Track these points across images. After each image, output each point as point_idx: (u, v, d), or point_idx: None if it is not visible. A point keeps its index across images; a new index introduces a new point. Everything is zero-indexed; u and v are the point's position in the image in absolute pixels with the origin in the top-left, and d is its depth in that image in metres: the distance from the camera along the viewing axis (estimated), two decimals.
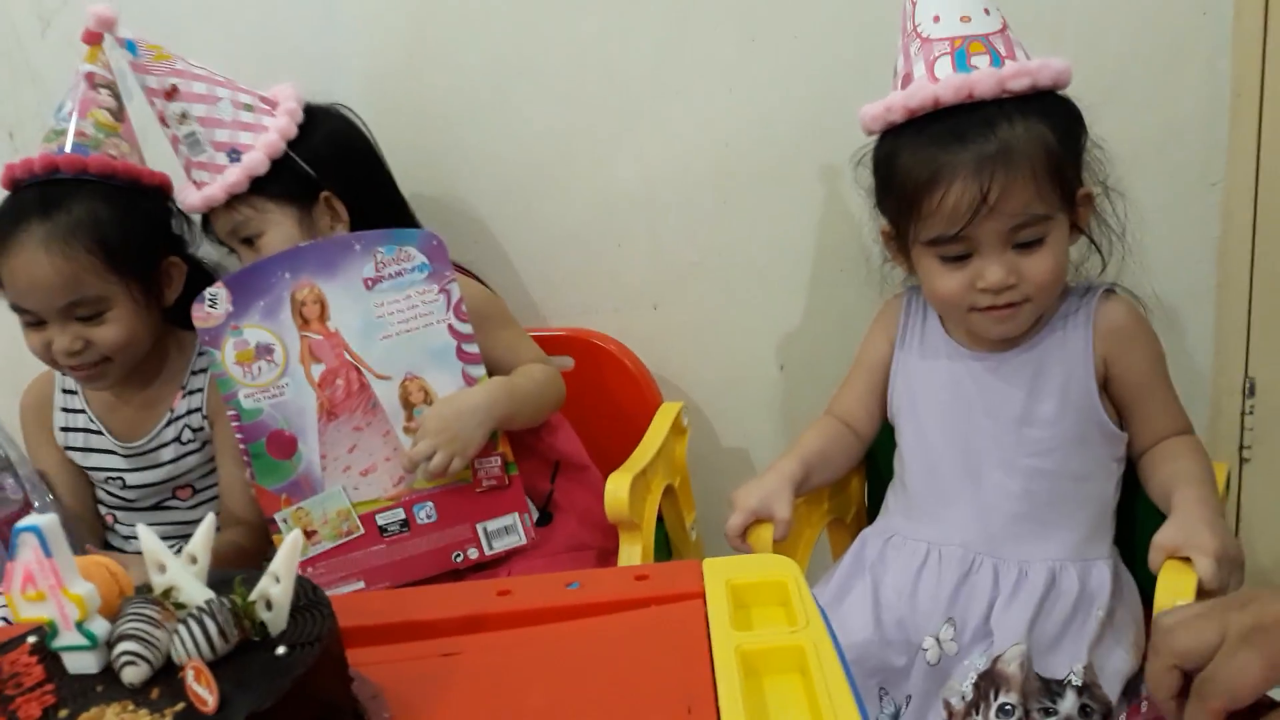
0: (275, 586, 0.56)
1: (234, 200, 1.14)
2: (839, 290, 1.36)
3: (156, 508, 1.23)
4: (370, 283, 1.04)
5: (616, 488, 1.08)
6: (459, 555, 1.09)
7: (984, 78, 0.92)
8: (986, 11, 0.96)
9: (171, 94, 1.11)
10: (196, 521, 1.20)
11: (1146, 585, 0.99)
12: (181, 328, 1.23)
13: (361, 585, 1.09)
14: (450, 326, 1.06)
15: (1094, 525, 1.00)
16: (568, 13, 1.30)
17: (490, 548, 1.09)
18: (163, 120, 1.14)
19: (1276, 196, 1.28)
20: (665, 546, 1.28)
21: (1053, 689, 0.88)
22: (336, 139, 1.20)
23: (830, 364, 1.36)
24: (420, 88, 1.35)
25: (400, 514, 1.08)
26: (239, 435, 1.07)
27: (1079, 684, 0.88)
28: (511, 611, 0.68)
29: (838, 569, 1.05)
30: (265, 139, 1.13)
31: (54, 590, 0.53)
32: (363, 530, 1.08)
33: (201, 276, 1.26)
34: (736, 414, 1.45)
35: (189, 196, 1.16)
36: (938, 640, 0.94)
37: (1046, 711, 0.87)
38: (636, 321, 1.40)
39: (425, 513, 1.08)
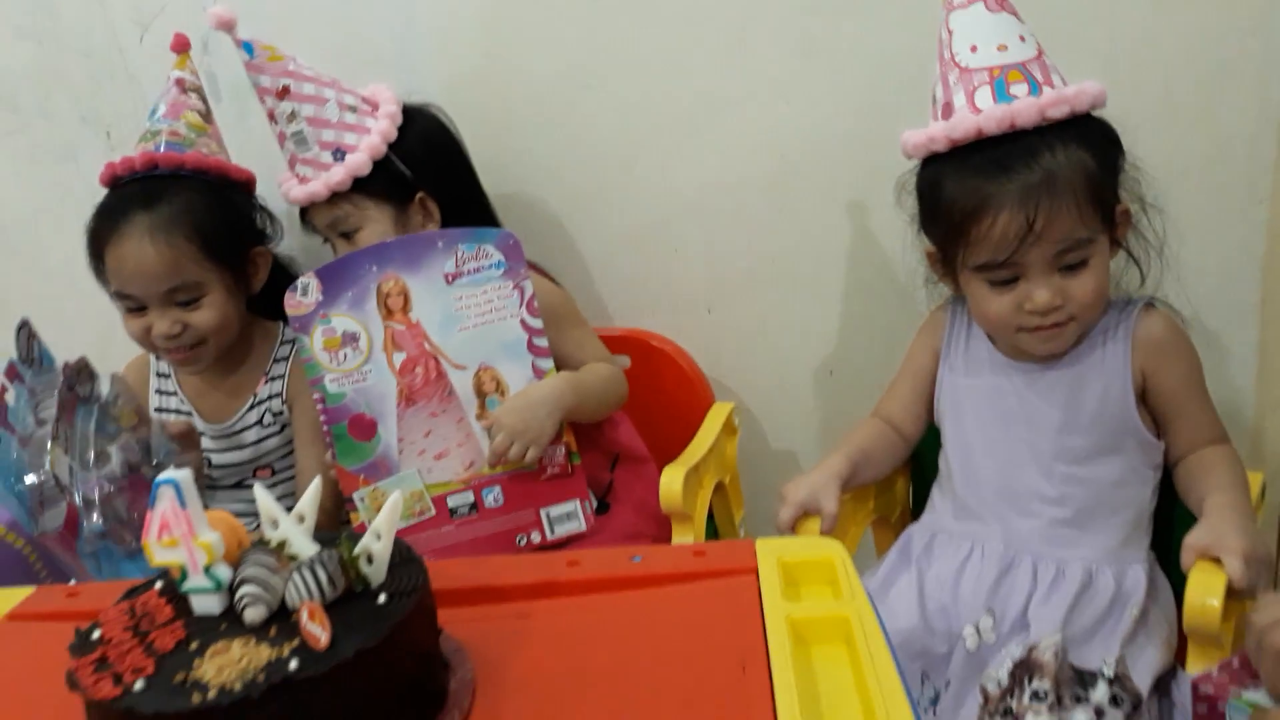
0: (377, 543, 0.62)
1: (335, 196, 1.22)
2: (886, 299, 1.40)
3: (237, 486, 1.31)
4: (450, 278, 1.11)
5: (671, 480, 1.14)
6: (522, 538, 1.15)
7: (1025, 108, 0.95)
8: (1022, 39, 0.99)
9: (283, 94, 1.20)
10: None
11: (1180, 588, 1.03)
12: (265, 318, 1.32)
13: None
14: (523, 321, 1.12)
15: (1130, 529, 1.04)
16: (633, 27, 1.37)
17: (552, 532, 1.15)
18: (272, 117, 1.22)
19: None
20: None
21: (1085, 679, 0.92)
22: (431, 140, 1.27)
23: (876, 370, 1.41)
24: (492, 97, 1.42)
25: (470, 497, 1.15)
26: (323, 417, 1.14)
27: (1110, 675, 0.92)
28: (580, 580, 0.74)
29: (884, 562, 1.10)
30: (368, 141, 1.21)
31: (186, 538, 0.59)
32: (434, 511, 1.15)
33: (280, 270, 1.34)
34: (785, 416, 1.50)
35: (293, 190, 1.24)
36: (977, 629, 0.99)
37: (1078, 699, 0.91)
38: (691, 324, 1.46)
39: (493, 497, 1.15)
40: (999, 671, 0.94)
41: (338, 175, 1.20)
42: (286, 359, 1.29)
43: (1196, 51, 1.26)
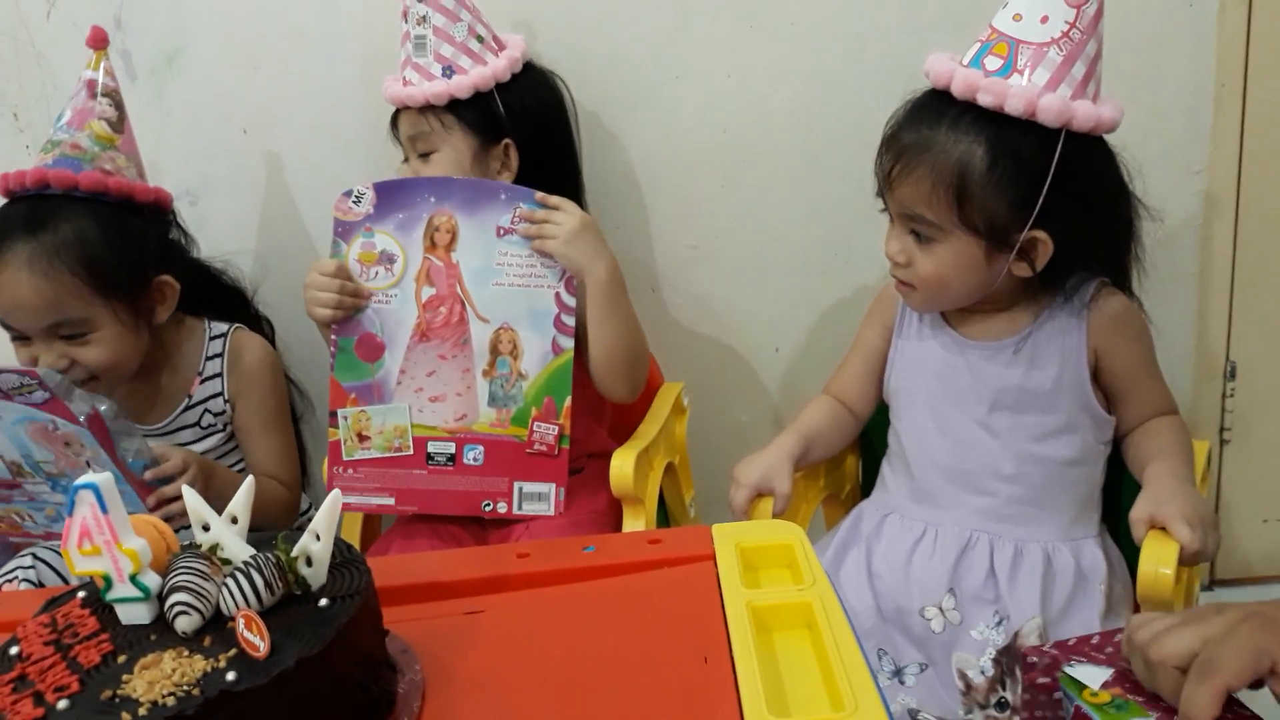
0: (315, 544, 0.59)
1: (427, 109, 1.20)
2: (833, 275, 1.40)
3: None
4: (502, 231, 1.11)
5: (622, 463, 1.12)
6: (489, 504, 1.14)
7: (961, 75, 0.95)
8: (1044, 20, 0.94)
9: None
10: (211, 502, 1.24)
11: (1133, 559, 1.03)
12: (192, 315, 1.26)
13: (391, 501, 1.14)
14: (558, 295, 1.12)
15: (1083, 506, 1.05)
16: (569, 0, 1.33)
17: (520, 507, 1.13)
18: (404, 15, 1.21)
19: (1258, 185, 1.32)
20: (665, 523, 1.32)
21: None
22: (540, 98, 1.27)
23: (825, 347, 1.40)
24: None
25: (451, 448, 1.13)
26: (334, 326, 1.13)
27: None
28: (531, 573, 0.72)
29: (833, 538, 1.09)
30: (480, 71, 1.20)
31: (109, 545, 0.56)
32: (412, 451, 1.13)
33: (210, 280, 1.29)
34: (733, 395, 1.48)
35: (392, 88, 1.22)
36: (940, 609, 0.98)
37: None
38: (636, 303, 1.41)
39: (474, 455, 1.13)
40: (980, 659, 0.94)
41: (438, 88, 1.19)
42: (221, 355, 1.24)
43: (1134, 23, 1.26)
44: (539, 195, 1.12)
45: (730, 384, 1.48)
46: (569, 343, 1.13)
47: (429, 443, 1.13)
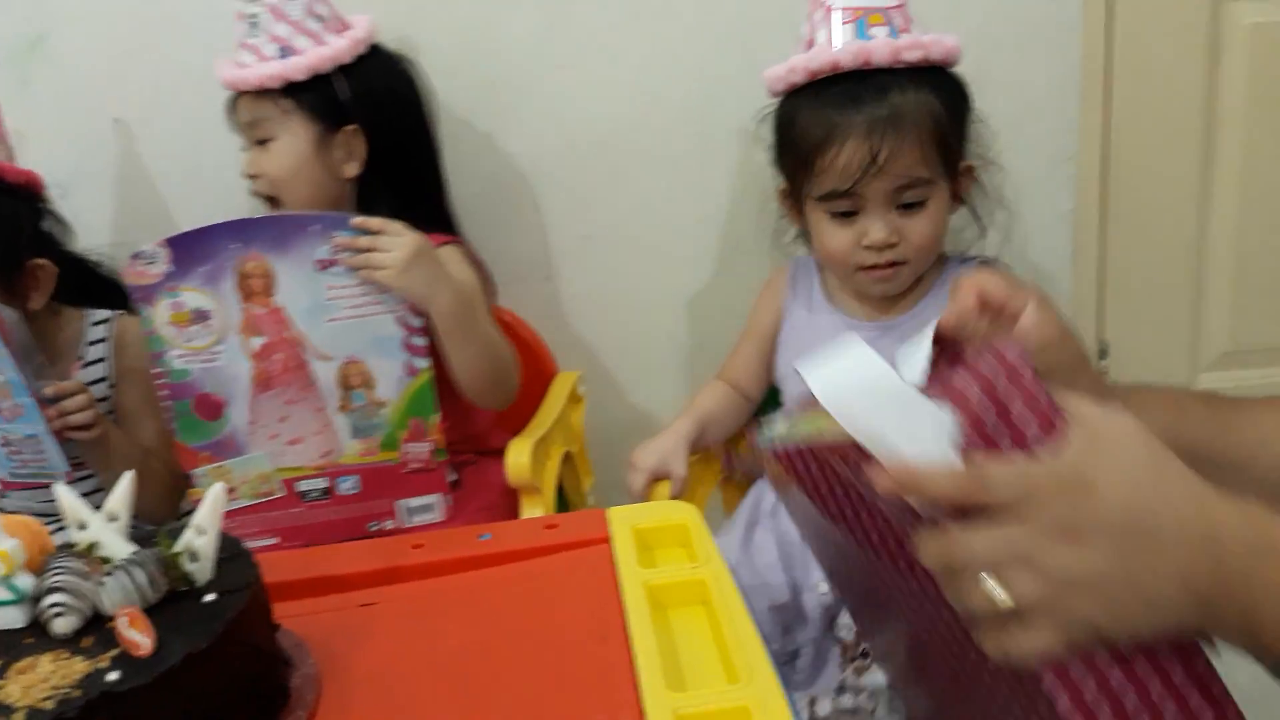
0: (200, 538, 0.58)
1: (264, 94, 1.14)
2: (727, 261, 1.41)
3: (43, 486, 1.20)
4: (324, 264, 1.02)
5: (518, 453, 1.11)
6: (375, 524, 1.10)
7: (880, 46, 0.99)
8: None
9: None
10: (93, 491, 1.19)
11: None
12: (65, 304, 1.21)
13: (275, 540, 1.10)
14: (400, 319, 1.04)
15: None
16: None
17: (408, 521, 1.11)
18: None
19: (1125, 170, 1.39)
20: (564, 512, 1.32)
21: None
22: (388, 83, 1.20)
23: (720, 331, 1.41)
24: None
25: (323, 483, 1.09)
26: (165, 392, 1.06)
27: None
28: (426, 563, 0.71)
29: (739, 518, 1.11)
30: (317, 52, 1.13)
31: None
32: (284, 492, 1.09)
33: (87, 272, 1.23)
34: (630, 383, 1.49)
35: (225, 70, 1.15)
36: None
37: None
38: (530, 293, 1.42)
39: (349, 485, 1.09)
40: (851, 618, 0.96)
41: (272, 69, 1.12)
42: (104, 340, 1.19)
43: (1006, 14, 1.31)
44: (356, 220, 1.01)
45: (626, 372, 1.49)
46: (424, 362, 1.05)
47: (298, 481, 1.08)
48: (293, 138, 1.15)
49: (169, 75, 1.37)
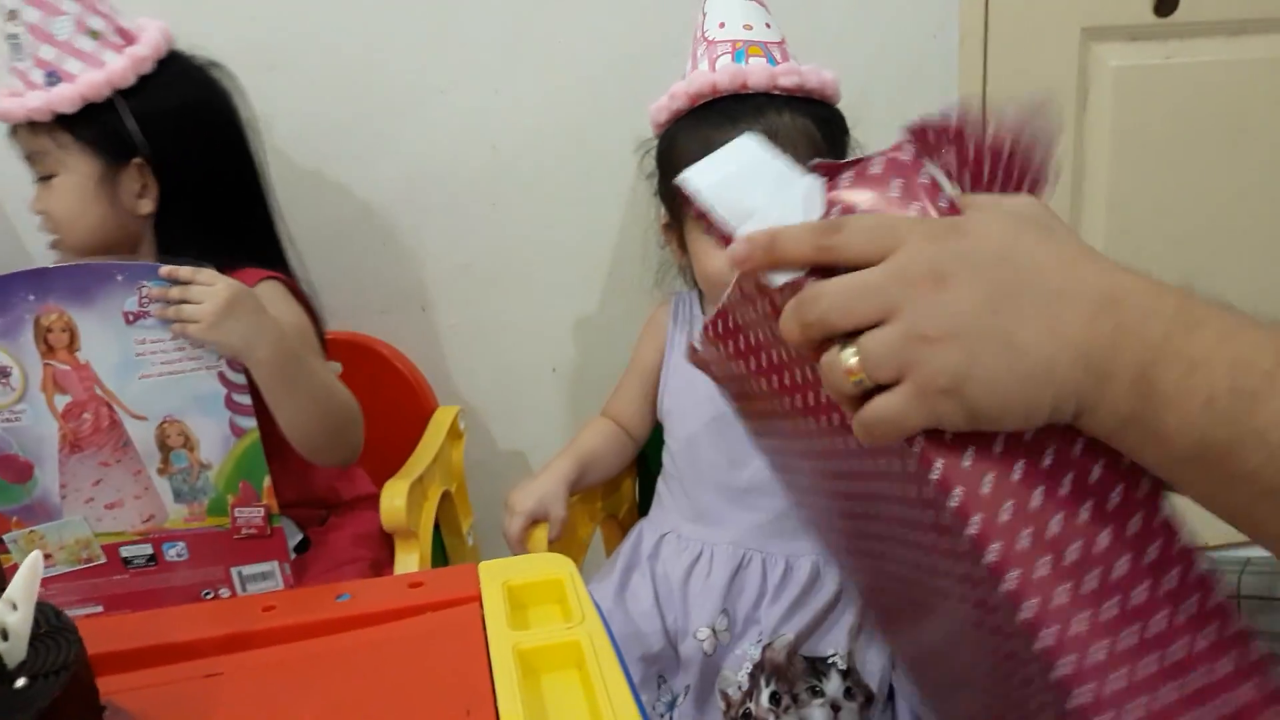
0: (12, 614, 0.51)
1: (37, 126, 1.01)
2: (609, 293, 1.39)
3: None
4: (132, 317, 0.94)
5: (393, 495, 1.06)
6: (209, 593, 1.02)
7: (757, 69, 1.00)
8: (768, 25, 1.04)
9: None
10: None
11: None
12: None
13: (100, 609, 1.02)
14: (221, 374, 0.96)
15: None
16: (321, 4, 1.26)
17: (244, 589, 1.02)
18: None
19: None
20: (443, 553, 1.27)
21: (818, 668, 0.93)
22: (184, 102, 1.05)
23: (602, 365, 1.39)
24: None
25: (148, 549, 1.00)
26: None
27: (843, 668, 0.93)
28: (278, 627, 0.66)
29: (617, 561, 1.07)
30: (89, 77, 0.99)
31: None
32: (105, 559, 1.00)
33: None
34: (511, 417, 1.45)
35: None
36: (713, 630, 0.98)
37: (814, 691, 0.92)
38: (406, 324, 1.37)
39: (176, 551, 1.01)
40: (738, 675, 0.94)
41: (35, 101, 0.99)
42: None
43: (888, 54, 1.32)
44: (164, 270, 0.92)
45: (507, 405, 1.45)
46: (250, 422, 0.98)
47: (121, 548, 1.00)
48: (72, 174, 1.02)
49: None
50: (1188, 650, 0.43)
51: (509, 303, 1.39)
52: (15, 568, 0.97)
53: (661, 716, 0.96)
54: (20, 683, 0.50)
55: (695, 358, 0.65)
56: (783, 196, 0.49)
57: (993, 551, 0.43)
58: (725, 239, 0.51)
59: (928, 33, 1.32)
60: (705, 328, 0.60)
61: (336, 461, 1.07)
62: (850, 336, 0.45)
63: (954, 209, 0.48)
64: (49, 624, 0.55)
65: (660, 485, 1.14)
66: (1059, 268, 0.44)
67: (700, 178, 0.52)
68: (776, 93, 1.00)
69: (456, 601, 0.67)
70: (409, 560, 1.08)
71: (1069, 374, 0.42)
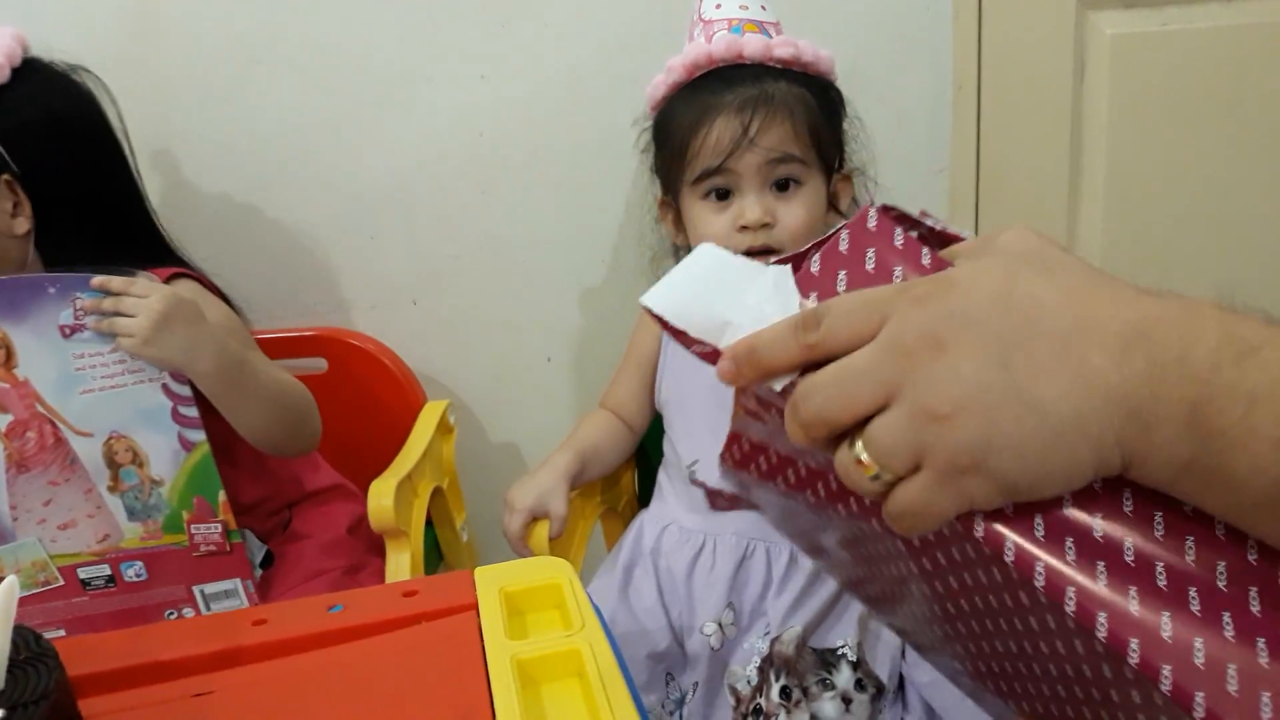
0: None
1: None
2: (603, 281, 1.36)
3: None
4: (68, 330, 0.90)
5: (380, 495, 1.03)
6: (172, 613, 1.00)
7: (752, 40, 1.00)
8: (764, 7, 1.05)
9: None
10: None
11: None
12: None
13: (63, 633, 0.99)
14: (165, 387, 0.93)
15: None
16: None
17: (208, 608, 1.00)
18: None
19: (996, 182, 1.39)
20: (436, 550, 1.25)
21: (828, 660, 0.92)
22: (47, 110, 0.99)
23: (597, 355, 1.37)
24: (138, 65, 1.23)
25: (106, 570, 0.98)
26: None
27: (853, 659, 0.92)
28: (269, 642, 0.64)
29: (619, 556, 1.06)
30: None
31: None
32: (63, 581, 0.97)
33: None
34: (504, 409, 1.43)
35: None
36: (720, 625, 0.96)
37: (824, 684, 0.90)
38: (395, 318, 1.35)
39: (134, 571, 0.98)
40: (747, 670, 0.92)
41: None
42: None
43: (878, 26, 1.29)
44: (97, 280, 0.89)
45: (501, 398, 1.42)
46: (199, 435, 0.95)
47: (78, 569, 0.97)
48: None
49: None
50: None
51: (501, 292, 1.36)
52: None
53: (671, 714, 0.94)
54: None
55: (722, 503, 0.60)
56: (752, 296, 0.45)
57: (1134, 653, 0.37)
58: (708, 356, 0.46)
59: (922, 4, 1.29)
60: (722, 458, 0.55)
61: (297, 451, 1.05)
62: (860, 427, 0.40)
63: (938, 264, 0.43)
64: (28, 649, 0.53)
65: (661, 476, 1.12)
66: (1069, 303, 0.38)
67: (664, 300, 0.48)
68: (772, 64, 1.00)
69: (452, 610, 0.65)
70: (400, 560, 1.06)
71: (1106, 424, 0.37)
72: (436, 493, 1.19)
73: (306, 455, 1.12)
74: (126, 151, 1.08)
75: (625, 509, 1.23)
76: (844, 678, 0.90)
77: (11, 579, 0.51)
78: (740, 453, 0.54)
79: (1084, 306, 0.38)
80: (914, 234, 0.45)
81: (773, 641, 0.93)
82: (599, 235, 1.35)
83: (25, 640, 0.53)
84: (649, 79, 1.06)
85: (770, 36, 1.02)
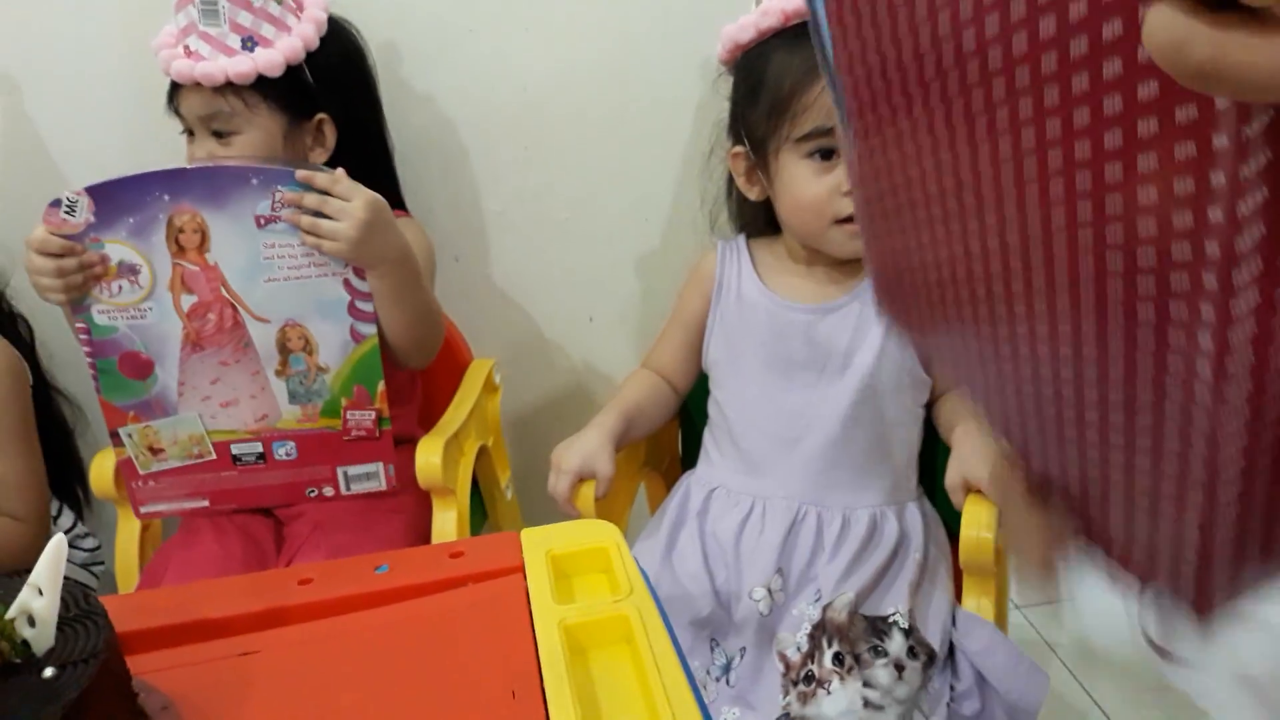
0: (38, 600, 0.49)
1: (224, 87, 1.03)
2: (646, 240, 1.34)
3: None
4: (263, 220, 0.95)
5: (428, 453, 1.04)
6: (313, 491, 1.06)
7: None
8: None
9: None
10: None
11: (950, 521, 1.03)
12: None
13: (206, 504, 1.05)
14: (347, 281, 0.98)
15: (905, 469, 1.04)
16: None
17: (348, 489, 1.05)
18: None
19: None
20: (480, 509, 1.24)
21: (879, 627, 0.90)
22: (349, 60, 1.13)
23: (640, 313, 1.35)
24: None
25: (258, 447, 1.03)
26: (87, 349, 0.98)
27: (905, 626, 0.90)
28: (314, 602, 0.63)
29: (664, 519, 1.04)
30: (288, 41, 1.04)
31: None
32: (215, 456, 1.03)
33: None
34: (547, 367, 1.42)
35: (178, 64, 1.02)
36: (769, 590, 0.95)
37: (876, 651, 0.89)
38: (439, 276, 1.33)
39: (285, 450, 1.04)
40: (797, 636, 0.91)
41: (243, 66, 1.02)
42: None
43: None
44: (301, 174, 0.93)
45: (543, 356, 1.41)
46: (370, 329, 1.00)
47: (232, 445, 1.03)
48: (260, 132, 1.05)
49: (39, 45, 1.24)
50: None
51: (545, 250, 1.35)
52: (129, 461, 1.00)
53: (717, 681, 0.94)
54: (49, 672, 0.48)
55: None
56: None
57: None
58: None
59: None
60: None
61: (417, 364, 1.11)
62: None
63: None
64: (77, 607, 0.53)
65: (707, 437, 1.11)
66: None
67: None
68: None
69: (499, 573, 0.64)
70: (446, 517, 1.07)
71: None
72: (482, 451, 1.19)
73: (435, 388, 1.21)
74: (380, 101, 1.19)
75: (668, 469, 1.22)
76: (896, 645, 0.89)
77: (59, 538, 0.51)
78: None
79: None
80: None
81: (825, 608, 0.91)
82: (644, 194, 1.32)
83: (74, 599, 0.53)
84: (704, 34, 1.01)
85: None
